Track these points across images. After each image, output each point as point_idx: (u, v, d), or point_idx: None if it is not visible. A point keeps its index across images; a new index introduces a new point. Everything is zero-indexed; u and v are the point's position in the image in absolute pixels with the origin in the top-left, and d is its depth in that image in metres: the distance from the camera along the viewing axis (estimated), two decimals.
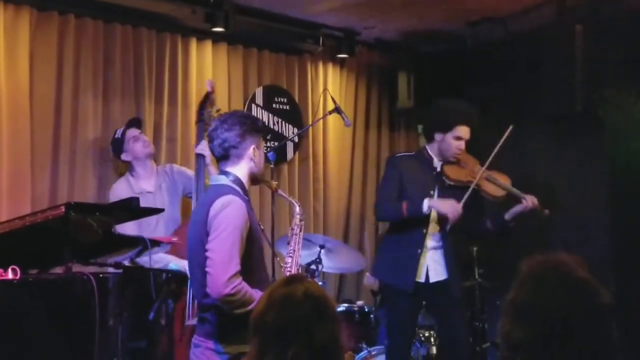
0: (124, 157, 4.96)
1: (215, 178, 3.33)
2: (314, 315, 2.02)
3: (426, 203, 4.40)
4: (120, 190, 4.83)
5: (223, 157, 3.29)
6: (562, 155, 6.16)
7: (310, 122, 6.27)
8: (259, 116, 6.04)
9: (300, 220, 3.72)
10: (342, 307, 5.34)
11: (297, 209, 3.73)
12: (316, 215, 6.43)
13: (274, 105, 6.21)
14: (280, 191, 3.81)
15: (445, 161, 4.58)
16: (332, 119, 6.29)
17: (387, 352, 4.67)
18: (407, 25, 6.27)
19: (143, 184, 4.91)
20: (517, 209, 4.48)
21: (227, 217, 3.10)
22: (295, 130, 6.26)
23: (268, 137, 6.11)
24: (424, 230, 4.51)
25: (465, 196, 4.42)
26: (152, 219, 4.73)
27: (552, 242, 5.88)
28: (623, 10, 5.54)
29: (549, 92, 5.69)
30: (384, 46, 6.84)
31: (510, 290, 1.77)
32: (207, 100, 4.76)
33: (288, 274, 3.55)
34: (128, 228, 4.52)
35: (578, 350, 1.65)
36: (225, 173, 3.28)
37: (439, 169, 4.58)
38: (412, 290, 4.47)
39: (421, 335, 5.26)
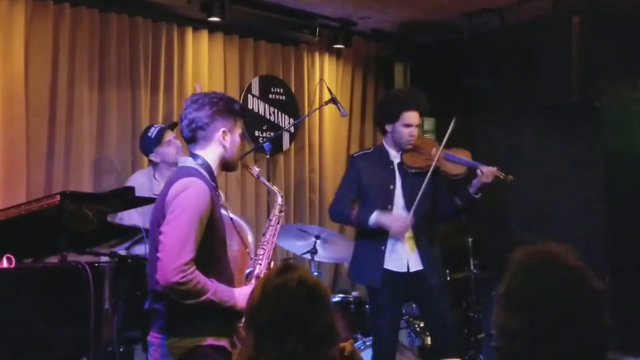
0: (152, 157, 4.83)
1: (183, 160, 3.12)
2: (310, 305, 2.00)
3: (373, 218, 4.43)
4: (138, 184, 4.78)
5: (191, 139, 3.07)
6: (557, 145, 6.16)
7: (306, 113, 6.27)
8: (255, 106, 6.05)
9: (280, 212, 3.49)
10: (337, 298, 5.35)
11: (279, 199, 3.51)
12: (312, 206, 6.43)
13: (270, 96, 6.20)
14: (262, 178, 3.58)
15: (404, 150, 4.59)
16: (328, 109, 6.29)
17: (373, 344, 4.68)
18: (403, 15, 6.27)
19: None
20: (477, 180, 4.49)
21: (186, 199, 2.88)
22: (291, 120, 6.25)
23: (264, 128, 6.11)
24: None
25: (420, 191, 4.43)
26: None
27: (547, 232, 5.89)
28: (619, 1, 5.54)
29: (545, 82, 5.70)
30: (381, 37, 6.83)
31: (503, 281, 1.77)
32: None
33: (257, 267, 3.38)
34: (133, 220, 4.52)
35: (575, 338, 1.65)
36: (194, 156, 3.06)
37: (398, 160, 4.60)
38: (380, 285, 4.49)
39: (416, 325, 5.27)
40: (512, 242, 1.86)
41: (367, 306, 5.32)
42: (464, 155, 4.64)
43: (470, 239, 5.64)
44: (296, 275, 2.03)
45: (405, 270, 4.52)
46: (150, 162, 4.91)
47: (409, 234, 4.54)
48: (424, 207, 4.49)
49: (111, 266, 3.77)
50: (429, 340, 5.21)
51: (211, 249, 2.97)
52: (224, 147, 3.07)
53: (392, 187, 4.55)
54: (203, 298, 2.86)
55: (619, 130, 5.82)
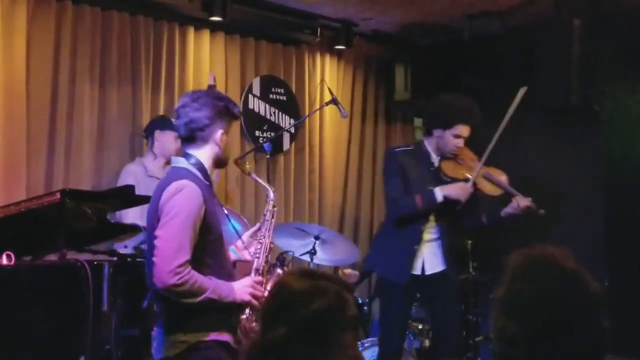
0: (154, 137, 4.99)
1: (176, 160, 3.18)
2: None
3: (438, 191, 4.36)
4: (132, 172, 4.87)
5: (188, 138, 3.12)
6: (557, 148, 6.16)
7: (306, 113, 6.26)
8: (256, 106, 6.05)
9: (273, 207, 3.49)
10: None
11: (271, 194, 3.50)
12: (311, 206, 6.43)
13: (270, 96, 6.20)
14: (254, 175, 3.61)
15: (443, 156, 4.54)
16: (329, 110, 6.29)
17: (380, 342, 4.67)
18: (405, 17, 6.27)
19: (155, 170, 4.91)
20: (511, 208, 4.47)
21: (179, 202, 2.93)
22: (292, 121, 6.25)
23: (264, 128, 6.11)
24: (422, 227, 4.47)
25: (469, 184, 4.41)
26: None
27: (545, 235, 5.89)
28: (620, 4, 5.55)
29: (545, 85, 5.69)
30: (382, 38, 6.84)
31: (500, 285, 1.77)
32: None
33: (256, 261, 3.38)
34: (132, 215, 4.53)
35: (572, 341, 1.65)
36: (187, 155, 3.12)
37: (436, 164, 4.54)
38: (406, 283, 4.46)
39: (414, 328, 5.26)
40: (511, 244, 1.85)
41: (365, 308, 5.32)
42: (502, 178, 4.58)
43: (469, 241, 5.63)
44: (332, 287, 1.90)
45: (419, 272, 4.49)
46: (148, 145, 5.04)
47: (431, 236, 4.51)
48: (453, 214, 4.48)
49: (110, 264, 3.77)
50: (427, 342, 5.21)
51: (207, 248, 3.03)
52: (220, 147, 3.14)
53: (431, 188, 4.44)
54: (202, 297, 2.93)
55: (618, 133, 5.82)
